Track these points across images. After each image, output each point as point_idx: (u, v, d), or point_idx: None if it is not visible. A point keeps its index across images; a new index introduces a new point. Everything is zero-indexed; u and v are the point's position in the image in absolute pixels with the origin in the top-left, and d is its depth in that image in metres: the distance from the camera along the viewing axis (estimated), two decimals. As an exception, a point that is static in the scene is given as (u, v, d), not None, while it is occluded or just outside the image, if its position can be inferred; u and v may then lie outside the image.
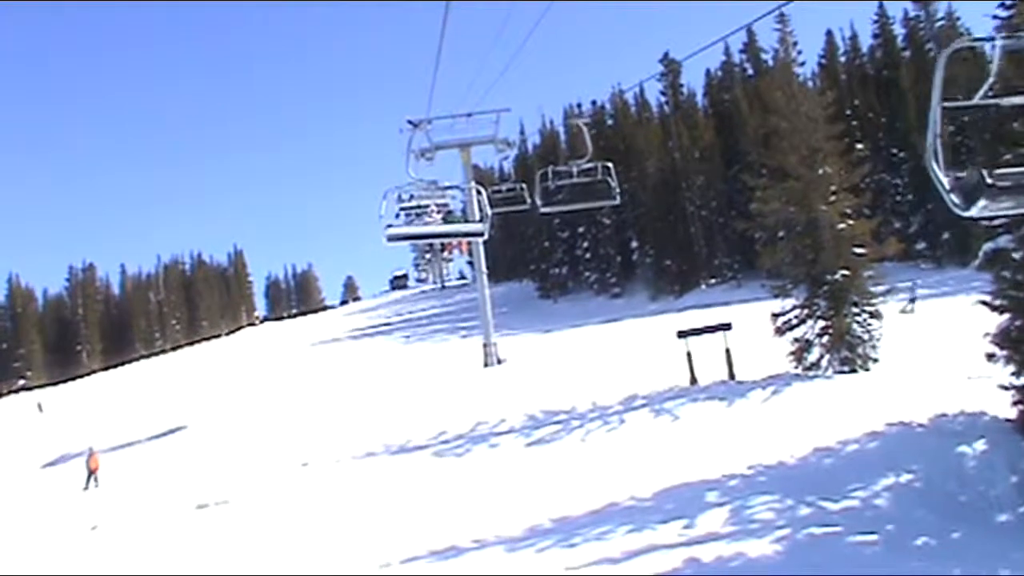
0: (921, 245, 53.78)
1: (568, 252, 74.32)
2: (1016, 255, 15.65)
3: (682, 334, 25.29)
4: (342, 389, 36.05)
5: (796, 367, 23.77)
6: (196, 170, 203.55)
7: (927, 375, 20.88)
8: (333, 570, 13.03)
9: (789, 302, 24.32)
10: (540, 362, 34.10)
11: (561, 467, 17.43)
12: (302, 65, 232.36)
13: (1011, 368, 15.62)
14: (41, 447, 40.84)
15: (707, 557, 11.54)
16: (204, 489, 20.07)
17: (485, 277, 36.22)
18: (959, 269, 46.26)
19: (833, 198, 23.83)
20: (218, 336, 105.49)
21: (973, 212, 5.17)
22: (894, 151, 56.85)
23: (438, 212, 15.83)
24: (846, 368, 23.18)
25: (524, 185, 24.81)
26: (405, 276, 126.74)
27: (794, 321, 24.16)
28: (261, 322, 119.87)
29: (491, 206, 15.85)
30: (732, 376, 24.04)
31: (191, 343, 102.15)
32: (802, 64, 53.45)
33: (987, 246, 16.75)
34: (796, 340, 24.00)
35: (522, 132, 78.86)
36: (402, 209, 15.32)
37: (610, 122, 75.05)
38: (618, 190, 16.07)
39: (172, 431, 34.69)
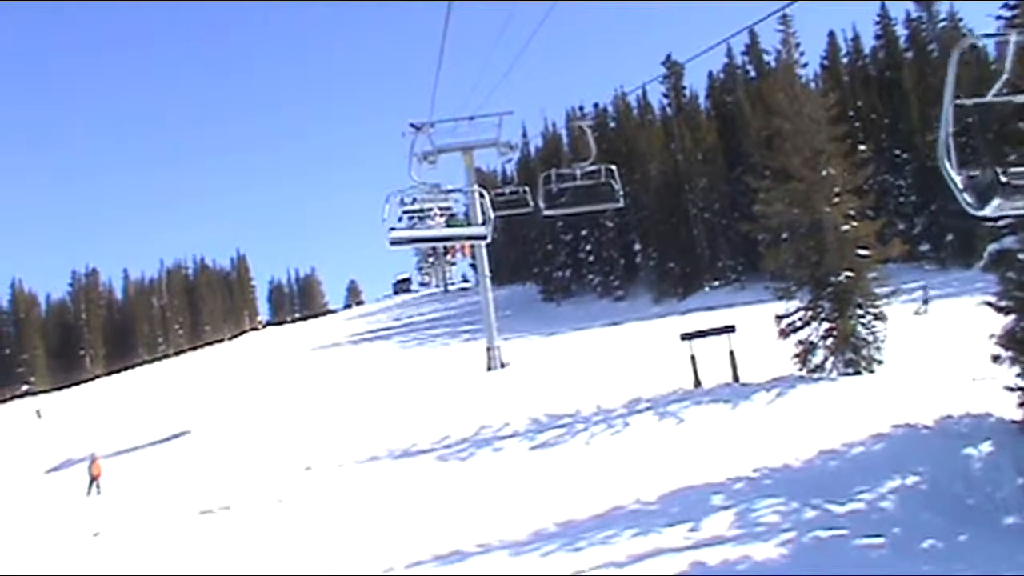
0: (925, 247, 53.69)
1: (571, 255, 74.30)
2: (1021, 256, 15.59)
3: (686, 337, 25.27)
4: (345, 393, 36.05)
5: (800, 369, 23.70)
6: (198, 173, 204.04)
7: (932, 377, 20.79)
8: (337, 575, 12.99)
9: (793, 304, 24.25)
10: (544, 365, 34.06)
11: (565, 471, 17.38)
12: (303, 66, 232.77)
13: (1017, 369, 15.56)
14: (40, 453, 40.82)
15: (713, 560, 11.48)
16: (207, 494, 20.04)
17: (488, 280, 36.12)
18: (963, 270, 46.14)
19: (837, 200, 23.76)
20: (221, 341, 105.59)
21: (987, 211, 5.08)
22: (897, 152, 56.78)
23: (441, 215, 15.74)
24: (850, 370, 23.09)
25: (527, 188, 24.84)
26: (408, 280, 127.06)
27: (798, 323, 24.09)
28: (264, 327, 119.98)
29: (494, 209, 15.83)
30: (736, 379, 23.99)
31: (194, 348, 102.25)
32: (805, 65, 53.64)
33: (992, 247, 16.68)
34: (800, 342, 23.93)
35: (525, 135, 79.09)
36: (405, 213, 15.22)
37: (612, 124, 75.06)
38: (622, 192, 16.05)
39: (175, 436, 34.69)
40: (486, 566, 12.40)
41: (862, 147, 35.78)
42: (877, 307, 23.59)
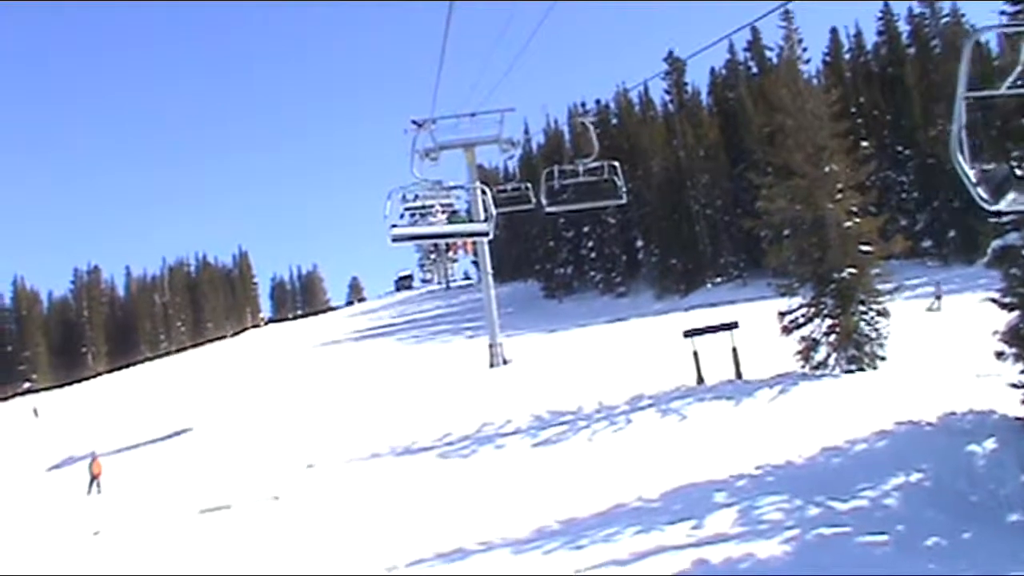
0: (927, 243, 53.65)
1: (573, 252, 74.26)
2: (1025, 252, 15.54)
3: (688, 333, 25.25)
4: (347, 390, 36.03)
5: (803, 366, 23.66)
6: (200, 171, 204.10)
7: (936, 373, 20.75)
8: (339, 573, 12.96)
9: (796, 301, 24.21)
10: (546, 362, 34.03)
11: (568, 468, 17.35)
12: (303, 65, 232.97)
13: (1021, 366, 15.52)
14: (37, 452, 40.80)
15: (716, 558, 11.43)
16: (208, 492, 20.02)
17: (490, 277, 36.16)
18: (965, 267, 46.11)
19: (839, 196, 23.72)
20: (223, 338, 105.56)
21: (1002, 206, 4.99)
22: (899, 148, 56.72)
23: (443, 212, 15.74)
24: (853, 367, 23.05)
25: (529, 185, 24.79)
26: (410, 277, 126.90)
27: (801, 320, 24.05)
28: (266, 324, 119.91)
29: (496, 206, 15.79)
30: (739, 375, 23.97)
31: (196, 345, 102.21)
32: (807, 62, 53.55)
33: (995, 243, 16.63)
34: (803, 339, 23.89)
35: (526, 132, 79.07)
36: (407, 209, 15.23)
37: (614, 121, 74.97)
38: (624, 189, 16.01)
39: (177, 433, 34.67)
40: (488, 564, 12.37)
41: (864, 143, 35.65)
42: (880, 303, 23.54)
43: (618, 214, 67.04)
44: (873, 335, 23.42)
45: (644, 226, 69.75)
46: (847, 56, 63.99)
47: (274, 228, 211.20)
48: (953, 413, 16.81)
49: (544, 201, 16.82)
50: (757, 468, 15.28)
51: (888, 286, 23.85)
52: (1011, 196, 4.86)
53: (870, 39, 63.17)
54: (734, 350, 24.52)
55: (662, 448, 17.64)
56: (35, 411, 64.61)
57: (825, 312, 23.73)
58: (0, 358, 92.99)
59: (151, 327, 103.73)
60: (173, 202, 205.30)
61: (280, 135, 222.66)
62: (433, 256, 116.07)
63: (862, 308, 23.53)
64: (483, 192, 15.93)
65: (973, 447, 14.73)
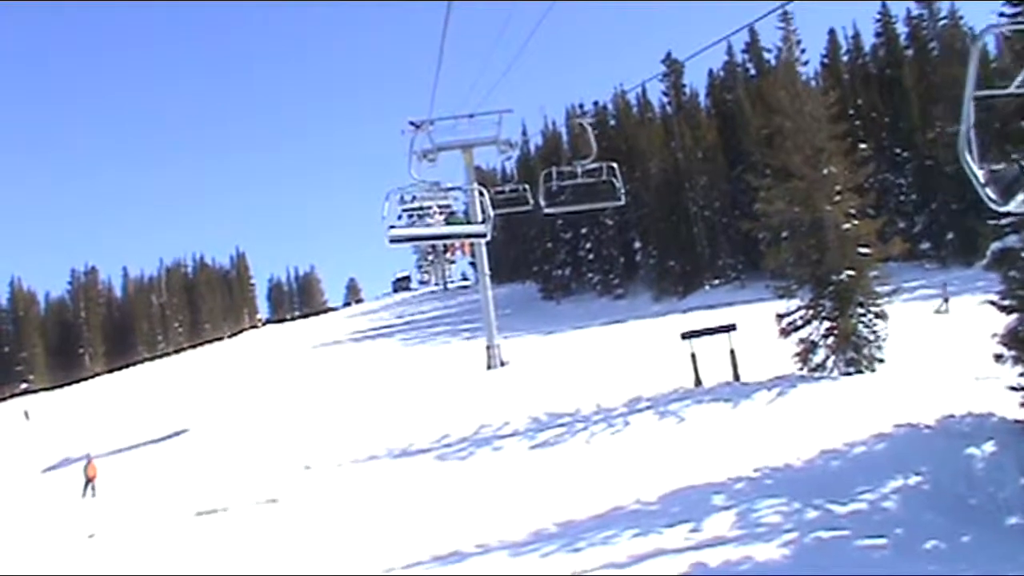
0: (925, 245, 53.66)
1: (571, 253, 74.25)
2: (1025, 254, 15.50)
3: (686, 335, 25.20)
4: (344, 392, 35.97)
5: (801, 368, 23.62)
6: (197, 172, 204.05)
7: (934, 376, 20.70)
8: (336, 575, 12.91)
9: (794, 303, 24.16)
10: (543, 364, 33.98)
11: (565, 470, 17.30)
12: (302, 65, 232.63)
13: (1020, 368, 15.47)
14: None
15: (714, 561, 11.39)
16: (204, 494, 19.96)
17: (488, 278, 36.11)
18: (964, 269, 46.10)
19: (838, 198, 23.68)
20: (220, 339, 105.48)
21: (1011, 207, 4.93)
22: (897, 151, 56.74)
23: (440, 213, 15.73)
24: (852, 369, 23.01)
25: (527, 186, 24.78)
26: (408, 278, 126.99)
27: (799, 322, 24.01)
28: (263, 325, 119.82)
29: (493, 207, 15.79)
30: (737, 377, 23.93)
31: (193, 346, 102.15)
32: (805, 63, 53.59)
33: (994, 245, 16.57)
34: (801, 341, 23.84)
35: (524, 133, 78.98)
36: (404, 211, 15.22)
37: (612, 122, 74.98)
38: (623, 191, 15.98)
39: (174, 435, 34.61)
40: (485, 567, 12.32)
41: (862, 145, 35.63)
42: (878, 306, 23.51)
43: (616, 216, 67.03)
44: (871, 337, 23.37)
45: (642, 228, 69.74)
46: (845, 58, 64.01)
47: (271, 229, 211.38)
48: (952, 416, 16.78)
49: (542, 202, 16.80)
50: (755, 471, 15.24)
51: (886, 288, 23.81)
52: (1021, 197, 4.80)
53: (868, 41, 63.27)
54: (732, 352, 24.49)
55: (660, 450, 17.59)
56: (25, 414, 64.42)
57: (823, 314, 23.69)
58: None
59: (148, 328, 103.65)
60: (170, 203, 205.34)
61: (278, 136, 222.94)
62: (431, 257, 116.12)
63: (860, 310, 23.48)
64: (481, 193, 15.92)
65: (972, 450, 14.69)
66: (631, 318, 54.58)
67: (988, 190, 4.86)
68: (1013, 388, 15.49)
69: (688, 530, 12.66)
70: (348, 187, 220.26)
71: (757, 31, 66.89)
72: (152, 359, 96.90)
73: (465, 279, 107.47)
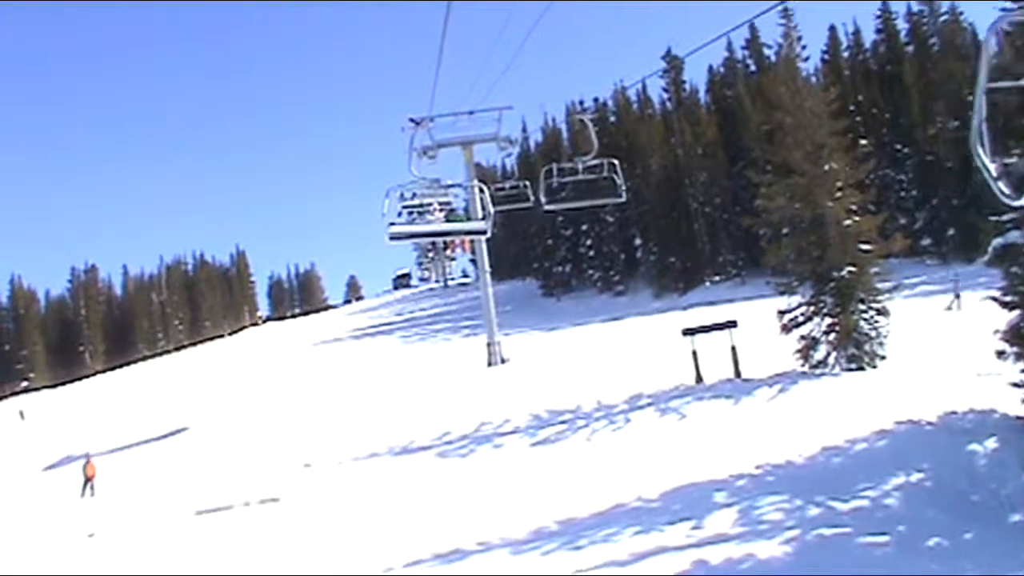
0: (926, 241, 53.61)
1: (571, 250, 74.22)
2: (1027, 250, 15.46)
3: (687, 332, 25.17)
4: (345, 389, 35.95)
5: (803, 365, 23.59)
6: (197, 170, 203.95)
7: (936, 372, 20.66)
8: (335, 574, 12.87)
9: (795, 299, 24.13)
10: (544, 361, 33.97)
11: (566, 468, 17.26)
12: (303, 64, 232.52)
13: (1022, 365, 15.43)
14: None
15: (716, 559, 11.35)
16: (204, 493, 19.93)
17: (488, 275, 36.06)
18: (964, 265, 46.01)
19: (838, 194, 23.64)
20: (221, 336, 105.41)
21: None
22: (898, 147, 56.71)
23: (441, 210, 15.70)
24: (853, 366, 22.99)
25: (527, 183, 24.75)
26: (408, 275, 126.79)
27: (800, 318, 23.98)
28: (264, 322, 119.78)
29: (494, 204, 15.74)
30: (738, 374, 23.89)
31: (194, 344, 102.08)
32: (806, 59, 53.45)
33: (996, 241, 16.51)
34: (802, 337, 23.82)
35: (524, 130, 78.39)
36: (405, 207, 15.18)
37: (612, 119, 74.88)
38: (624, 187, 15.94)
39: (174, 432, 34.59)
40: (486, 565, 12.28)
41: (863, 141, 35.61)
42: (879, 302, 23.48)
43: (616, 212, 66.98)
44: (873, 334, 23.35)
45: (642, 224, 69.71)
46: (845, 54, 63.97)
47: (271, 227, 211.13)
48: (954, 412, 16.72)
49: (543, 199, 16.77)
50: (757, 468, 15.19)
51: (888, 285, 23.78)
52: None
53: (868, 37, 63.27)
54: (733, 349, 24.45)
55: (661, 447, 17.55)
56: (20, 413, 64.25)
57: (824, 311, 23.66)
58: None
59: (148, 326, 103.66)
60: (170, 201, 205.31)
61: (278, 134, 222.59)
62: (431, 254, 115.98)
63: (862, 307, 23.46)
64: (481, 190, 15.87)
65: (974, 446, 14.64)
66: (632, 315, 54.57)
67: (1001, 184, 4.78)
68: (1015, 384, 15.45)
69: (690, 527, 12.61)
70: (348, 184, 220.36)
71: (757, 27, 66.83)
72: (152, 357, 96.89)
73: (465, 276, 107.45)
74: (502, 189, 26.06)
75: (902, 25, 61.24)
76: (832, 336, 23.46)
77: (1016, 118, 15.55)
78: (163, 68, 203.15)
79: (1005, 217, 15.63)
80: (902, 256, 30.49)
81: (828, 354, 23.44)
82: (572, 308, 66.71)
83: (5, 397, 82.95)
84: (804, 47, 52.82)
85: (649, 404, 21.78)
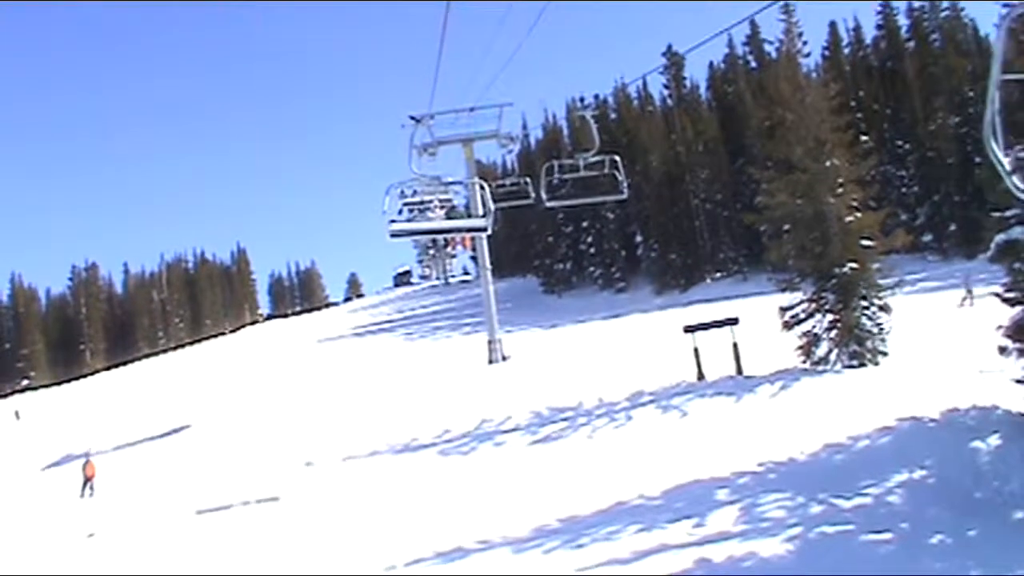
0: (927, 237, 53.56)
1: (572, 247, 74.19)
2: (1030, 246, 15.38)
3: (689, 329, 25.11)
4: (346, 387, 35.89)
5: (804, 361, 23.51)
6: (198, 167, 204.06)
7: (938, 369, 20.61)
8: (337, 573, 12.83)
9: (796, 296, 24.07)
10: (545, 358, 33.91)
11: (568, 465, 17.21)
12: (303, 61, 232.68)
13: (1024, 361, 15.39)
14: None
15: (718, 557, 11.31)
16: (206, 491, 19.88)
17: (489, 273, 36.02)
18: (966, 261, 45.96)
19: (840, 190, 23.58)
20: (221, 334, 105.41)
21: None
22: (899, 143, 56.68)
23: (441, 208, 15.69)
24: (855, 362, 22.92)
25: (528, 179, 24.71)
26: (408, 273, 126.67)
27: (802, 315, 23.92)
28: (264, 320, 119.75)
29: (494, 201, 15.70)
30: (740, 371, 23.85)
31: (194, 341, 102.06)
32: (807, 56, 53.25)
33: (999, 237, 16.42)
34: (804, 334, 23.75)
35: (525, 127, 78.67)
36: (405, 205, 15.20)
37: (613, 116, 74.78)
38: (626, 184, 15.88)
39: (175, 431, 34.55)
40: (488, 563, 12.24)
41: (864, 137, 35.49)
42: (881, 298, 23.42)
43: (617, 209, 66.91)
44: (875, 330, 23.29)
45: (643, 221, 69.63)
46: (846, 50, 63.92)
47: (272, 225, 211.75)
48: (956, 409, 16.67)
49: (544, 196, 16.73)
50: (759, 465, 15.14)
51: (889, 281, 23.72)
52: None
53: (869, 33, 63.27)
54: (735, 346, 24.40)
55: (663, 445, 17.50)
56: (16, 413, 64.06)
57: (826, 307, 23.60)
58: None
59: (149, 324, 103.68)
60: (171, 199, 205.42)
61: (277, 131, 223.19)
62: (431, 252, 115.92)
63: (864, 303, 23.39)
64: (481, 187, 15.81)
65: (977, 443, 14.59)
66: (633, 312, 54.51)
67: (1014, 178, 4.72)
68: (1018, 381, 15.41)
69: (692, 525, 12.56)
70: (348, 182, 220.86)
71: (758, 23, 66.88)
72: (153, 355, 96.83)
73: (466, 273, 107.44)
74: (503, 186, 26.07)
75: (903, 21, 61.25)
76: (834, 333, 23.39)
77: (1019, 113, 15.48)
78: (164, 65, 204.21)
79: (1008, 213, 15.57)
80: (903, 252, 30.40)
81: (830, 351, 23.37)
82: (573, 305, 66.63)
83: (5, 396, 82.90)
84: (805, 43, 52.35)
85: (651, 401, 21.72)
